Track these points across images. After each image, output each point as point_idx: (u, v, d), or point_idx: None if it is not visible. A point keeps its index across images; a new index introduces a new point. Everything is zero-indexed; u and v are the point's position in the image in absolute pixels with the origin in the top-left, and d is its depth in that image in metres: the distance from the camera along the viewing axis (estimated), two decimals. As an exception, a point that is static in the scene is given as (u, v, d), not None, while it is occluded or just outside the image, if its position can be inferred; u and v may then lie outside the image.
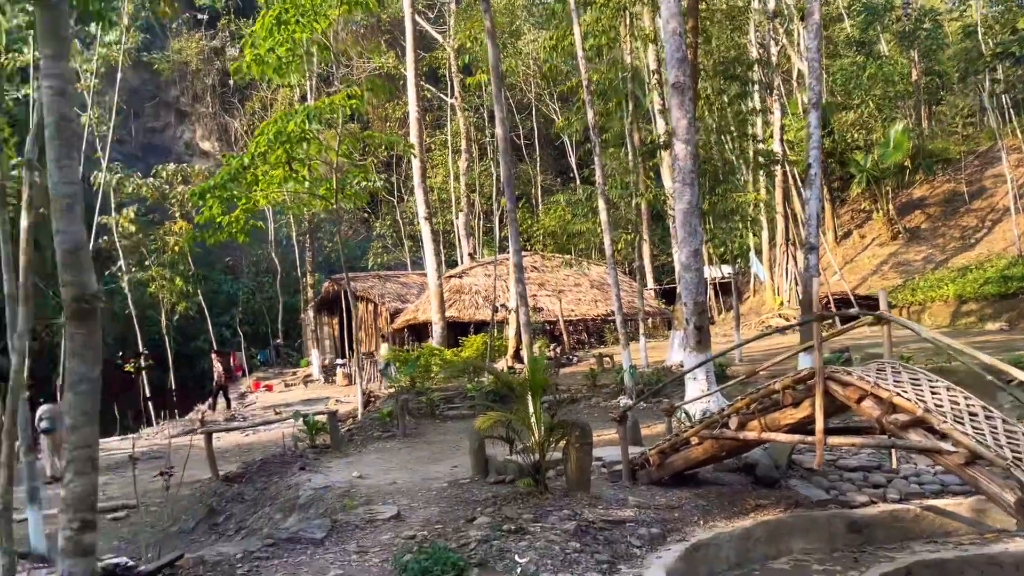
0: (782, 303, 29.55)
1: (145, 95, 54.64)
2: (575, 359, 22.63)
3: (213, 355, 27.14)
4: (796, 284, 28.41)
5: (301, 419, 12.63)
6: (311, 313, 36.50)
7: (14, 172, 26.68)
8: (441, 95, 42.51)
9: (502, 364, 20.73)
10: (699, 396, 11.61)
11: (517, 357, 21.52)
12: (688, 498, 8.04)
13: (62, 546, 2.93)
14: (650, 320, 32.11)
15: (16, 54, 27.74)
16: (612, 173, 45.56)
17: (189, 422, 23.97)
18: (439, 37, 39.38)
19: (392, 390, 18.25)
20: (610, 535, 6.85)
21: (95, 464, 3.05)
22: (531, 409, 7.99)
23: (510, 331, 21.20)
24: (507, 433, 7.86)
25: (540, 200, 49.43)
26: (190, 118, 56.71)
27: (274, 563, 6.21)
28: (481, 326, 29.37)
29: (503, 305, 27.35)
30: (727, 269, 32.74)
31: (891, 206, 36.47)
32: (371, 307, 34.36)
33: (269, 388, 31.49)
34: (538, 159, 49.70)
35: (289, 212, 39.41)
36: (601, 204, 16.82)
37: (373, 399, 18.93)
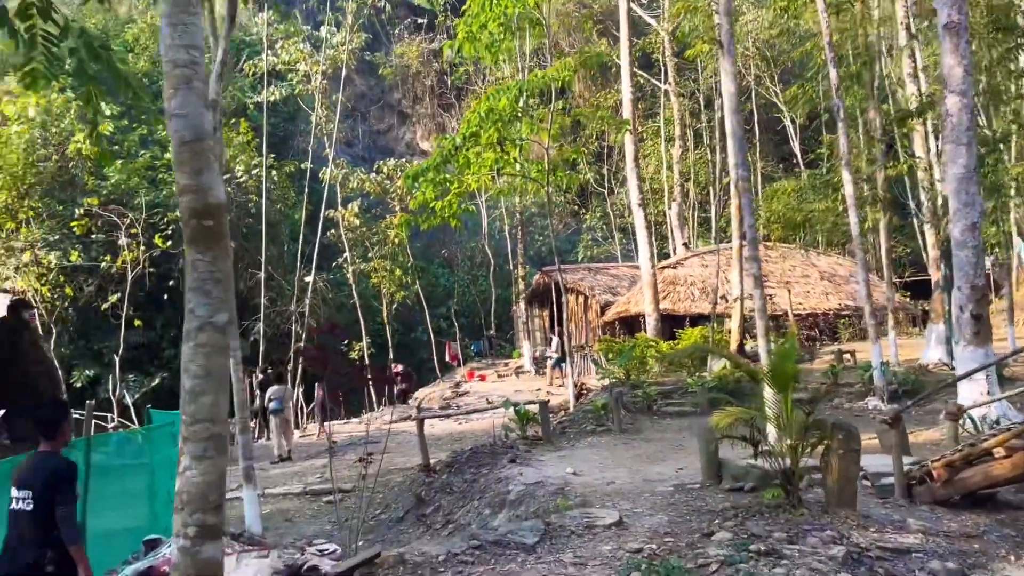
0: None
1: (371, 99, 57.91)
2: (806, 356, 20.38)
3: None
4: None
5: (512, 408, 11.96)
6: (522, 305, 36.50)
7: (255, 171, 28.72)
8: (654, 81, 40.88)
9: (721, 361, 19.04)
10: (982, 401, 9.52)
11: (741, 351, 19.74)
12: (989, 525, 6.30)
13: (174, 560, 2.15)
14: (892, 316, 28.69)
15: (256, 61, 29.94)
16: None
17: (407, 409, 24.49)
18: (652, 21, 37.83)
19: (605, 383, 17.28)
20: (892, 567, 5.38)
21: (222, 446, 2.24)
22: (777, 405, 6.63)
23: (732, 324, 19.46)
24: (751, 433, 6.54)
25: (761, 188, 46.32)
26: (411, 119, 59.32)
27: (479, 570, 5.40)
28: (697, 319, 27.63)
29: (723, 297, 25.49)
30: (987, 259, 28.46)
31: None
32: (581, 299, 33.66)
33: (482, 378, 31.74)
34: (758, 145, 46.53)
35: (500, 198, 39.99)
36: (846, 176, 14.73)
37: (585, 391, 18.07)
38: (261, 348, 22.90)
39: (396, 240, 31.81)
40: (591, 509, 6.96)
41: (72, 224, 26.01)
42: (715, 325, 23.31)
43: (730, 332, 23.56)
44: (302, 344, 22.70)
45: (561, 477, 8.90)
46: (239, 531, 7.87)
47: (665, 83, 38.57)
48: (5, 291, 21.62)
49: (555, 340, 26.05)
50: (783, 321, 25.41)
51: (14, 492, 4.38)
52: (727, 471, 7.74)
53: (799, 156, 43.20)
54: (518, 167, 15.91)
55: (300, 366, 22.67)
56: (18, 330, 15.57)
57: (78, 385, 29.19)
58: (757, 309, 11.07)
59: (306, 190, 28.89)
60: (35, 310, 19.71)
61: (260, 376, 21.26)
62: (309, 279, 24.12)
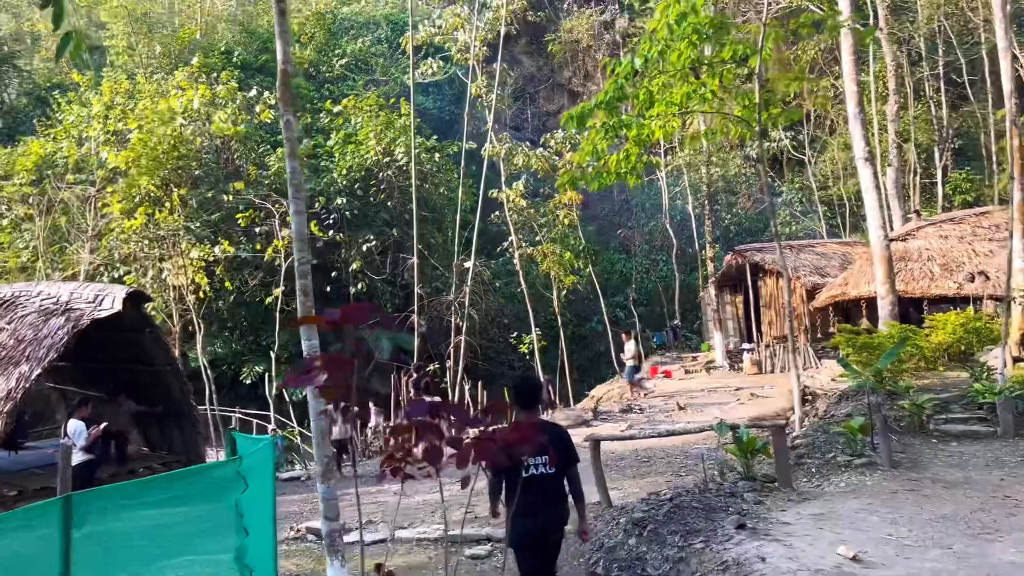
0: None
1: (540, 80, 55.24)
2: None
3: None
4: None
5: (728, 432, 8.23)
6: (711, 291, 32.10)
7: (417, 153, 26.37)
8: (860, 28, 34.93)
9: (997, 355, 14.10)
10: None
11: (1027, 344, 14.73)
12: None
13: None
14: None
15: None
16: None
17: (582, 411, 21.21)
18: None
19: (840, 386, 13.07)
20: None
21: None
22: None
23: (1016, 312, 14.46)
24: None
25: (995, 150, 38.81)
26: (582, 97, 55.97)
27: None
28: (937, 301, 22.30)
29: (982, 273, 20.15)
30: None
31: None
32: (782, 283, 28.82)
33: (668, 374, 27.87)
34: (989, 97, 38.94)
35: (683, 173, 35.65)
36: None
37: (811, 397, 13.92)
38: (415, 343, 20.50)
39: (567, 220, 28.56)
40: None
41: (237, 216, 25.00)
42: (975, 310, 18.19)
43: (994, 318, 18.32)
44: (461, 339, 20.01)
45: (834, 567, 5.19)
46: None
47: (877, 27, 32.62)
48: (120, 283, 20.46)
49: (630, 345, 21.41)
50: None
51: (530, 460, 4.79)
52: None
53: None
54: (717, 103, 12.08)
55: (459, 364, 20.01)
56: (139, 327, 13.76)
57: (247, 382, 28.44)
58: None
59: (479, 172, 26.32)
60: (151, 302, 18.24)
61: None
62: (469, 264, 21.42)
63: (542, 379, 20.01)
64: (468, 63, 26.84)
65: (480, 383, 24.47)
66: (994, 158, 37.62)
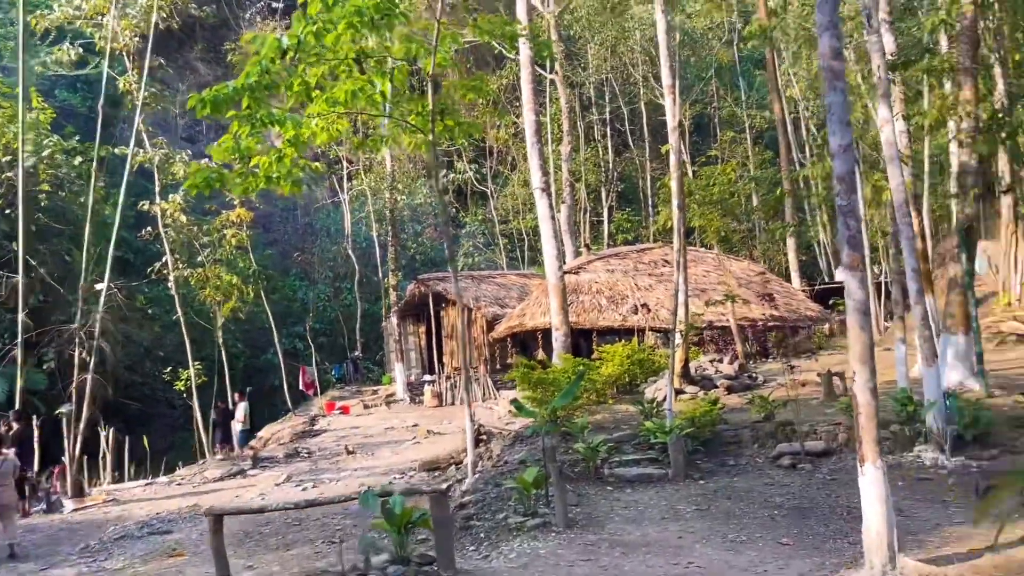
0: (1009, 302, 22.15)
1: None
2: (758, 377, 16.05)
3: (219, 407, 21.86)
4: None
5: (376, 503, 6.42)
6: (394, 320, 30.84)
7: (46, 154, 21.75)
8: (539, 69, 36.42)
9: (662, 386, 14.26)
10: None
11: (687, 376, 15.11)
12: None
13: None
14: (804, 330, 25.31)
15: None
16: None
17: (238, 459, 18.43)
18: (538, 3, 33.32)
19: (516, 425, 12.13)
20: None
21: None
22: None
23: (670, 340, 14.71)
24: None
25: (651, 193, 42.78)
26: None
27: None
28: (605, 333, 23.09)
29: (644, 305, 21.06)
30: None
31: None
32: (464, 313, 28.40)
33: (345, 410, 25.87)
34: (647, 145, 42.90)
35: (367, 196, 34.13)
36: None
37: (486, 437, 12.84)
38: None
39: (235, 241, 25.50)
40: None
41: None
42: (636, 341, 18.74)
43: (655, 349, 19.06)
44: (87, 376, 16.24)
45: None
46: None
47: (551, 72, 34.07)
48: None
49: (242, 407, 20.12)
50: (724, 336, 21.28)
51: None
52: None
53: (688, 160, 39.75)
54: (390, 108, 10.58)
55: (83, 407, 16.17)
56: None
57: None
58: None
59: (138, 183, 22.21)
60: None
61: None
62: (101, 286, 17.68)
63: None
64: (118, 54, 22.84)
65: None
66: (650, 201, 41.34)
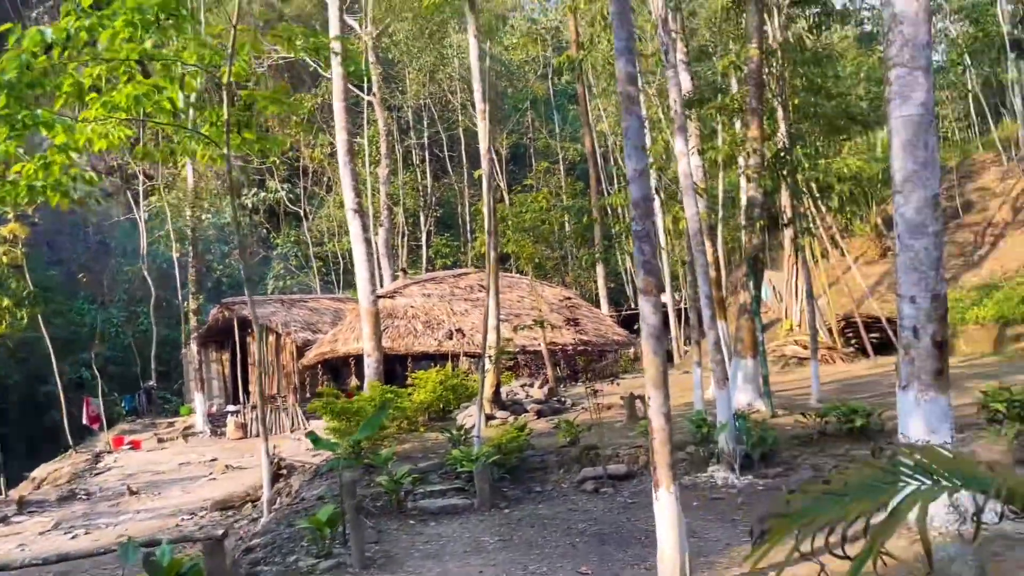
0: (791, 327, 24.15)
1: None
2: (567, 401, 16.34)
3: None
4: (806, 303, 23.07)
5: (137, 556, 5.60)
6: (194, 347, 28.79)
7: None
8: (356, 90, 35.78)
9: (471, 412, 14.14)
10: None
11: (498, 401, 15.04)
12: None
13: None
14: (612, 353, 26.42)
15: None
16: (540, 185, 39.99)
17: (4, 503, 16.27)
18: (355, 24, 32.87)
19: (320, 458, 11.46)
20: None
21: None
22: None
23: (489, 369, 14.62)
24: None
25: (469, 219, 43.22)
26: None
27: None
28: (420, 359, 22.74)
29: (459, 330, 20.93)
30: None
31: (879, 219, 32.11)
32: (273, 338, 27.06)
33: (136, 445, 23.73)
34: (465, 172, 43.34)
35: (166, 214, 31.78)
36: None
37: (286, 471, 12.06)
38: None
39: (6, 259, 22.79)
40: None
41: None
42: (449, 366, 18.54)
43: (468, 374, 18.93)
44: None
45: None
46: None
47: (369, 94, 33.66)
48: None
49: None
50: (537, 360, 21.52)
51: None
52: None
53: (505, 188, 40.54)
54: (182, 117, 9.76)
55: None
56: None
57: None
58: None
59: None
60: None
61: None
62: None
63: None
64: None
65: None
66: (469, 227, 41.69)
